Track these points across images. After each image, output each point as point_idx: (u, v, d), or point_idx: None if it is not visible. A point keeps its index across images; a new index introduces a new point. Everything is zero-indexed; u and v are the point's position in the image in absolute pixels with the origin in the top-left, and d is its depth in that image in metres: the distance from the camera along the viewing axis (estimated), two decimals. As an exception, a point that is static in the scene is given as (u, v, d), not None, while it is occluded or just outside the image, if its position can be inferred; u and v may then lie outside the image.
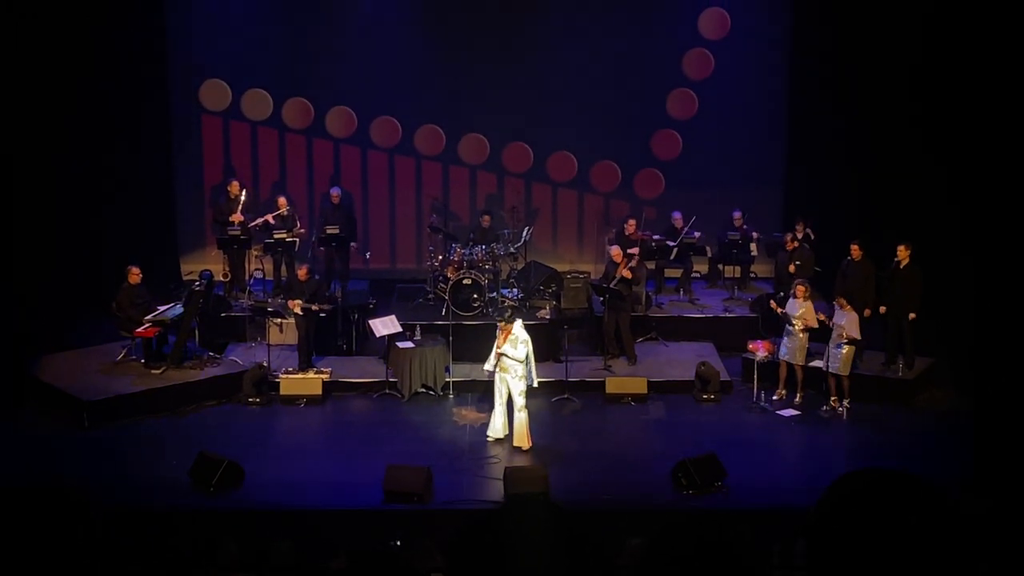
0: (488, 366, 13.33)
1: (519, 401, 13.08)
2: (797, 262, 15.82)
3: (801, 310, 14.22)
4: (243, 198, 17.24)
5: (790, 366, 14.52)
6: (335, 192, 17.62)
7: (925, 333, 14.77)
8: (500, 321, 13.26)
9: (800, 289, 14.31)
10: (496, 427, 13.34)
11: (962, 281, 14.50)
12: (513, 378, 13.06)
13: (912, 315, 14.54)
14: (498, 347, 13.06)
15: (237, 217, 17.09)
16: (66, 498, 2.60)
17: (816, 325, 14.22)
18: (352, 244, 17.61)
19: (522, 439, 13.12)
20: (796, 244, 16.12)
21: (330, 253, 17.43)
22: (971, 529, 2.59)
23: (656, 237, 17.28)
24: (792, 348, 14.39)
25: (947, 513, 2.39)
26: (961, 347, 14.66)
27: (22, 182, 15.05)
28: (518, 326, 13.13)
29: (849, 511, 2.44)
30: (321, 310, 15.11)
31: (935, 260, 14.60)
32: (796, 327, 14.25)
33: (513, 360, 12.99)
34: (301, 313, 15.01)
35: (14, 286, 14.91)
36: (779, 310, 14.57)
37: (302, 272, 15.33)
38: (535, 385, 13.32)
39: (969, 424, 13.76)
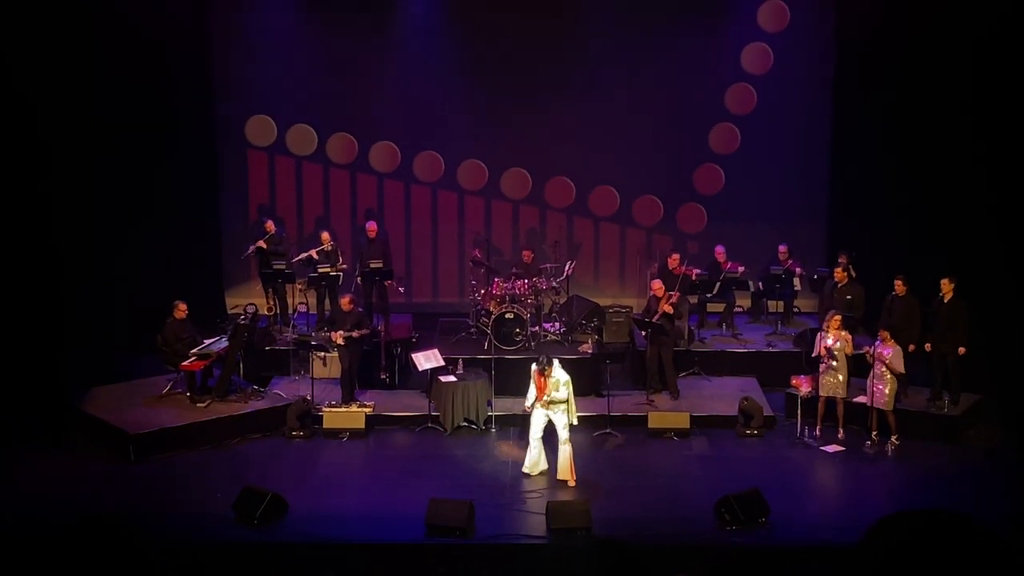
0: (528, 403, 13.30)
1: (563, 434, 13.04)
2: (848, 296, 15.63)
3: (838, 342, 14.11)
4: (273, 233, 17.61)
5: (829, 402, 14.39)
6: (371, 226, 17.64)
7: (974, 369, 14.59)
8: (537, 367, 13.12)
9: (835, 319, 14.19)
10: (539, 463, 13.28)
11: (1012, 316, 14.32)
12: (557, 412, 13.06)
13: (962, 349, 14.36)
14: (546, 392, 12.94)
15: (261, 244, 17.37)
16: (123, 532, 2.62)
17: (851, 352, 14.12)
18: (387, 282, 17.41)
19: (566, 472, 13.08)
20: (846, 276, 15.92)
21: (370, 288, 17.49)
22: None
23: (698, 272, 17.23)
24: (832, 384, 14.27)
25: (998, 555, 2.32)
26: (1010, 383, 14.46)
27: (69, 217, 15.23)
28: (557, 368, 13.11)
29: (894, 556, 2.37)
30: (361, 335, 15.15)
31: (984, 295, 14.44)
32: (837, 361, 14.12)
33: (560, 402, 13.02)
34: (343, 344, 15.07)
35: (63, 320, 15.09)
36: (823, 347, 14.36)
37: (345, 302, 15.33)
38: (575, 422, 13.27)
39: (1018, 462, 13.56)
